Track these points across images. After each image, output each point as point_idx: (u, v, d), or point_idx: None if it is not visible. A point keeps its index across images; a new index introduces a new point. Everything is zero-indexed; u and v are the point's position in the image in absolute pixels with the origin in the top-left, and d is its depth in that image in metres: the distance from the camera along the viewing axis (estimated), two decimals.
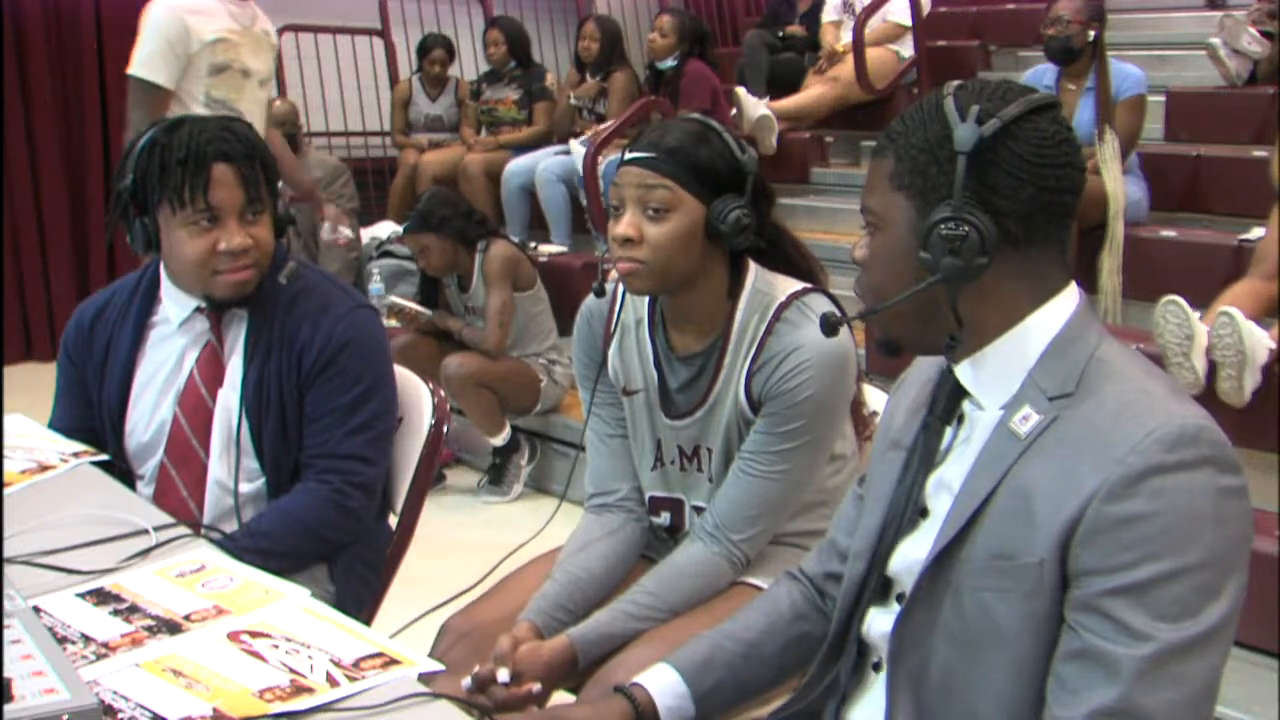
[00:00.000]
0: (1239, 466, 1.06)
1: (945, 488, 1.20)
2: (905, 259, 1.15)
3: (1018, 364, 1.15)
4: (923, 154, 1.13)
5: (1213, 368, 2.91)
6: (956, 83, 1.17)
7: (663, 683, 1.41)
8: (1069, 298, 1.16)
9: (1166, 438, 1.04)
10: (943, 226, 1.10)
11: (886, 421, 1.35)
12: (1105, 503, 1.04)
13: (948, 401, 1.22)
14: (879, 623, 1.25)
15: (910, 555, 1.22)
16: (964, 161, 1.10)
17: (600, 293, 1.81)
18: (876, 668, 1.28)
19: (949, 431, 1.22)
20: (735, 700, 1.45)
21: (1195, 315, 2.95)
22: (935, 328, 1.17)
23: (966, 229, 1.10)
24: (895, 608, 1.23)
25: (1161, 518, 1.03)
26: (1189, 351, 2.92)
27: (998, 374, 1.16)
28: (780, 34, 6.20)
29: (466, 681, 1.57)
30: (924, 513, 1.22)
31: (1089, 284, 3.83)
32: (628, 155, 1.66)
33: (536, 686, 1.56)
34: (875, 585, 1.26)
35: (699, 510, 1.79)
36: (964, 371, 1.19)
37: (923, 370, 1.32)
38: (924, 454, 1.24)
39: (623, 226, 1.64)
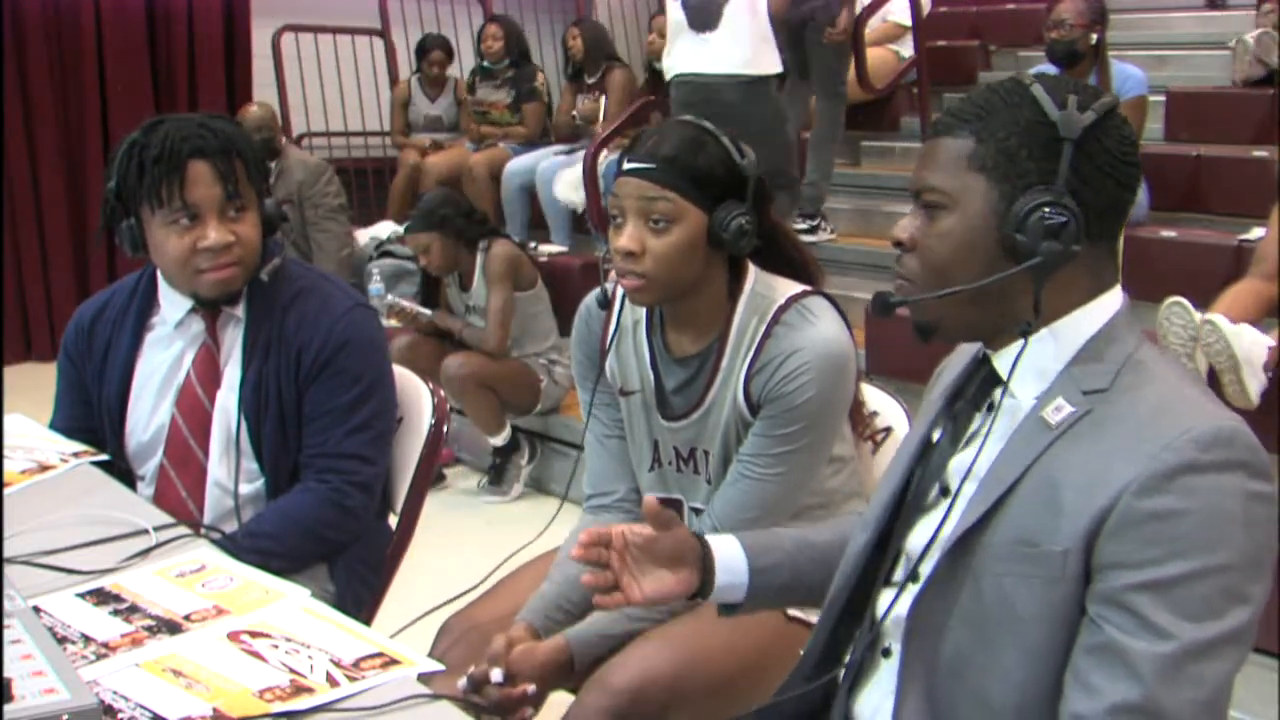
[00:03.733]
0: (1270, 474, 1.07)
1: (970, 471, 1.19)
2: (979, 242, 1.15)
3: (1058, 355, 1.16)
4: (1013, 137, 1.13)
5: (1215, 372, 2.92)
6: (1032, 71, 1.19)
7: (724, 544, 1.41)
8: (1114, 297, 1.18)
9: (1202, 437, 1.05)
10: (1042, 211, 1.11)
11: (925, 406, 1.36)
12: (1136, 497, 1.04)
13: (980, 388, 1.23)
14: (897, 606, 1.25)
15: (930, 534, 1.21)
16: (1070, 149, 1.11)
17: (605, 303, 1.81)
18: (886, 653, 1.28)
19: (978, 417, 1.23)
20: (788, 587, 1.44)
21: (1199, 316, 2.95)
22: (997, 315, 1.17)
23: (1067, 215, 1.10)
24: (910, 586, 1.23)
25: (1191, 516, 1.03)
26: (1193, 352, 2.92)
27: (1037, 365, 1.17)
28: None
29: (462, 682, 1.57)
30: (946, 492, 1.22)
31: None
32: (626, 165, 1.65)
33: (531, 688, 1.56)
34: (891, 564, 1.26)
35: (698, 512, 1.78)
36: (1003, 360, 1.19)
37: (960, 359, 1.32)
38: (952, 436, 1.24)
39: (625, 239, 1.63)
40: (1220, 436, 1.05)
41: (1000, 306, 1.17)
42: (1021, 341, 1.16)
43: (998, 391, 1.21)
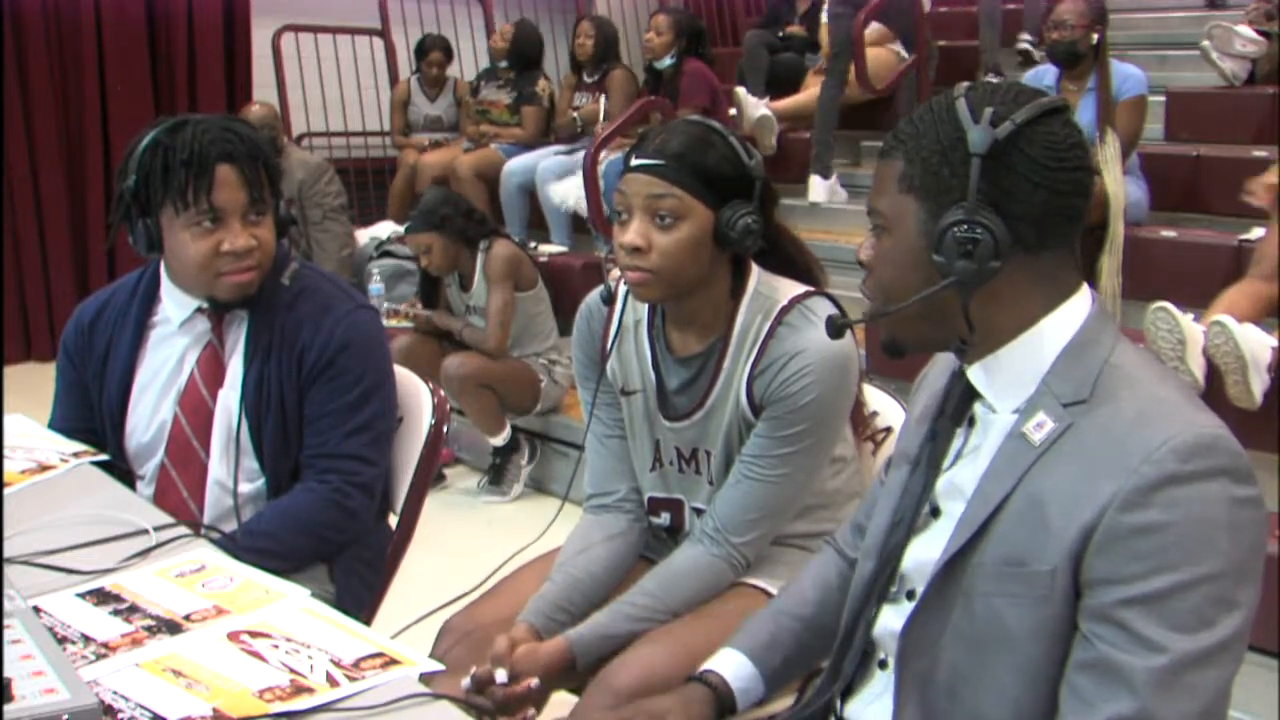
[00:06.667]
0: (1254, 476, 1.06)
1: (957, 490, 1.20)
2: (915, 261, 1.15)
3: (1031, 367, 1.15)
4: (934, 156, 1.13)
5: (1215, 371, 2.91)
6: (967, 84, 1.17)
7: (734, 667, 1.45)
8: (1082, 300, 1.16)
9: (1181, 448, 1.04)
10: (956, 229, 1.10)
11: (907, 421, 1.36)
12: (1120, 512, 1.04)
13: (959, 403, 1.22)
14: (888, 620, 1.26)
15: (921, 554, 1.22)
16: (978, 164, 1.10)
17: (609, 299, 1.81)
18: (882, 665, 1.28)
19: (960, 434, 1.22)
20: (801, 671, 1.49)
21: (1188, 319, 2.95)
22: (944, 331, 1.17)
23: (980, 232, 1.09)
24: (905, 605, 1.23)
25: (1176, 528, 1.03)
26: (1183, 355, 2.92)
27: (1011, 377, 1.16)
28: (780, 34, 6.20)
29: (466, 682, 1.57)
30: (936, 512, 1.22)
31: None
32: (634, 162, 1.65)
33: (534, 682, 1.56)
34: (885, 581, 1.27)
35: (699, 512, 1.78)
36: (977, 374, 1.19)
37: (937, 375, 1.32)
38: (933, 454, 1.24)
39: (631, 235, 1.63)
40: (1200, 444, 1.04)
41: (945, 323, 1.16)
42: (992, 355, 1.16)
43: (977, 406, 1.21)
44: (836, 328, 1.33)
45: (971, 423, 1.21)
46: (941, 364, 1.33)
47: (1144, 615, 1.03)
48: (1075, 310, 1.16)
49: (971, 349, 1.17)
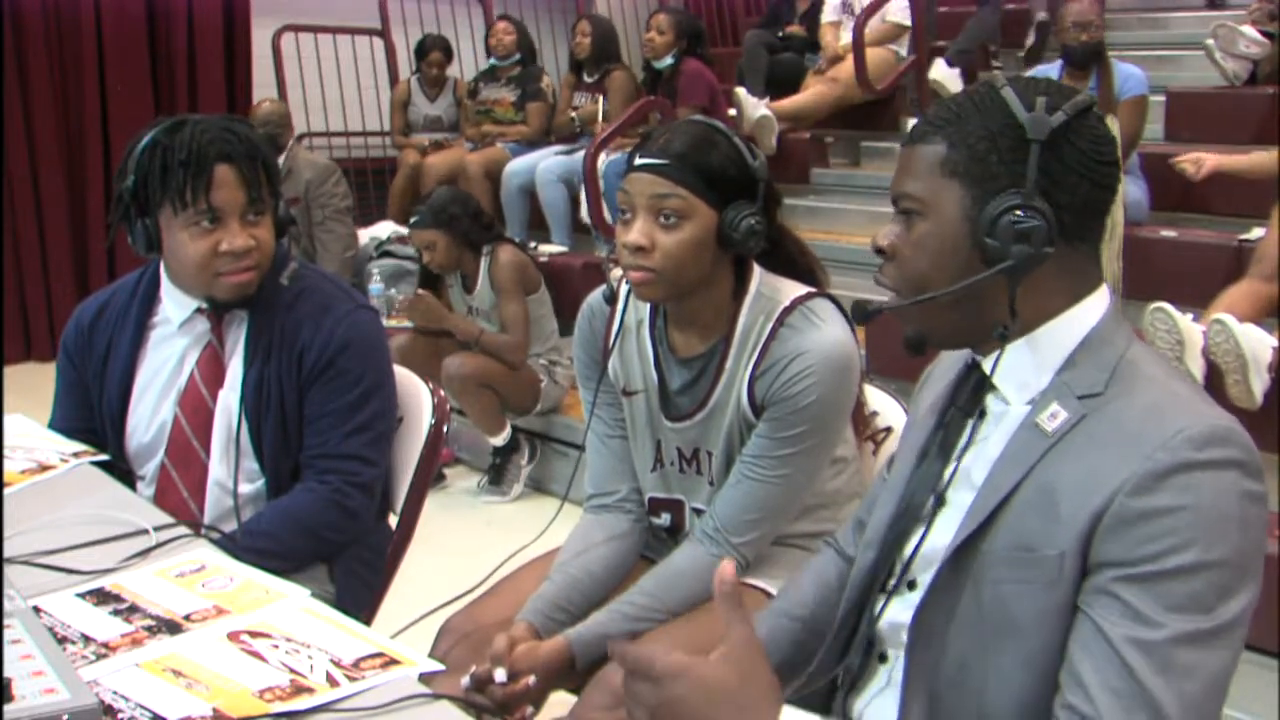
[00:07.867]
0: (1263, 473, 1.07)
1: (966, 480, 1.19)
2: (954, 247, 1.15)
3: (1050, 359, 1.15)
4: (982, 141, 1.13)
5: (1214, 370, 2.92)
6: (1006, 75, 1.18)
7: None
8: (1101, 297, 1.17)
9: (1197, 437, 1.04)
10: (1010, 214, 1.10)
11: (911, 417, 1.36)
12: (1130, 496, 1.04)
13: (971, 394, 1.22)
14: (892, 612, 1.25)
15: (927, 545, 1.22)
16: (1037, 150, 1.10)
17: (611, 299, 1.81)
18: (883, 659, 1.28)
19: (969, 424, 1.22)
20: (800, 670, 1.46)
21: (1187, 319, 2.95)
22: (977, 320, 1.17)
23: (1035, 217, 1.10)
24: (906, 595, 1.23)
25: (1187, 512, 1.03)
26: (1181, 356, 2.92)
27: (1027, 369, 1.16)
28: (780, 34, 6.20)
29: (465, 680, 1.57)
30: (942, 502, 1.22)
31: None
32: (638, 161, 1.65)
33: (532, 679, 1.56)
34: (887, 573, 1.26)
35: (699, 512, 1.78)
36: (992, 365, 1.19)
37: (944, 370, 1.32)
38: (944, 446, 1.24)
39: (634, 234, 1.63)
40: (1215, 435, 1.05)
41: (981, 311, 1.16)
42: (1007, 348, 1.16)
43: (989, 398, 1.20)
44: (864, 314, 1.30)
45: (982, 415, 1.21)
46: (948, 360, 1.33)
47: (1141, 592, 1.03)
48: (1095, 305, 1.16)
49: (1010, 336, 1.16)
